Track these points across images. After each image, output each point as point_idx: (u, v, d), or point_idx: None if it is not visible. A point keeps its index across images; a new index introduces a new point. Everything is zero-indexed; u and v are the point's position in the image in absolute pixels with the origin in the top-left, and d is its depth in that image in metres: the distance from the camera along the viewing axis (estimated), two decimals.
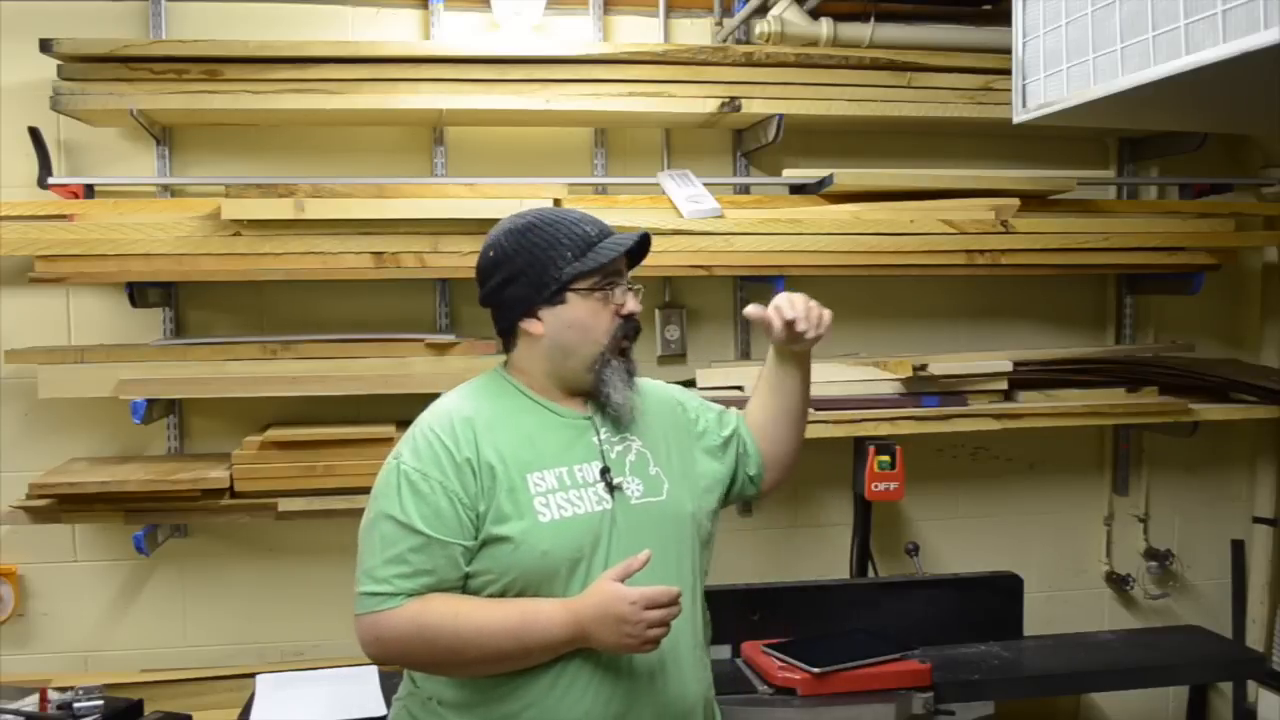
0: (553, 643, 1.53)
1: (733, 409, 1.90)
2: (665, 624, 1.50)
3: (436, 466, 1.56)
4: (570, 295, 1.62)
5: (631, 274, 1.72)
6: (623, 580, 1.50)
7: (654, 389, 1.83)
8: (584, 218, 1.67)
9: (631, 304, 1.65)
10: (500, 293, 1.66)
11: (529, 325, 1.64)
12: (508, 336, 1.69)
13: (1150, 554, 3.25)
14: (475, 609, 1.54)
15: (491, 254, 1.67)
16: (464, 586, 1.58)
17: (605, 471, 1.63)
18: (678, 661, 1.64)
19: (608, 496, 1.62)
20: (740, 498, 1.89)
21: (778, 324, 1.70)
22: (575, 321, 1.63)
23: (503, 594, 1.56)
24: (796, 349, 1.77)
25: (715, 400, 1.94)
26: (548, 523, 1.56)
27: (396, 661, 1.62)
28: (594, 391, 1.65)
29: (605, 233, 1.66)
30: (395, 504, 1.56)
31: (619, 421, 1.68)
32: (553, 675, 1.56)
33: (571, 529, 1.57)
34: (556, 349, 1.64)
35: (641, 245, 1.69)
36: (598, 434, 1.66)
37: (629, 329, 1.66)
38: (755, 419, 1.87)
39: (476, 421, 1.60)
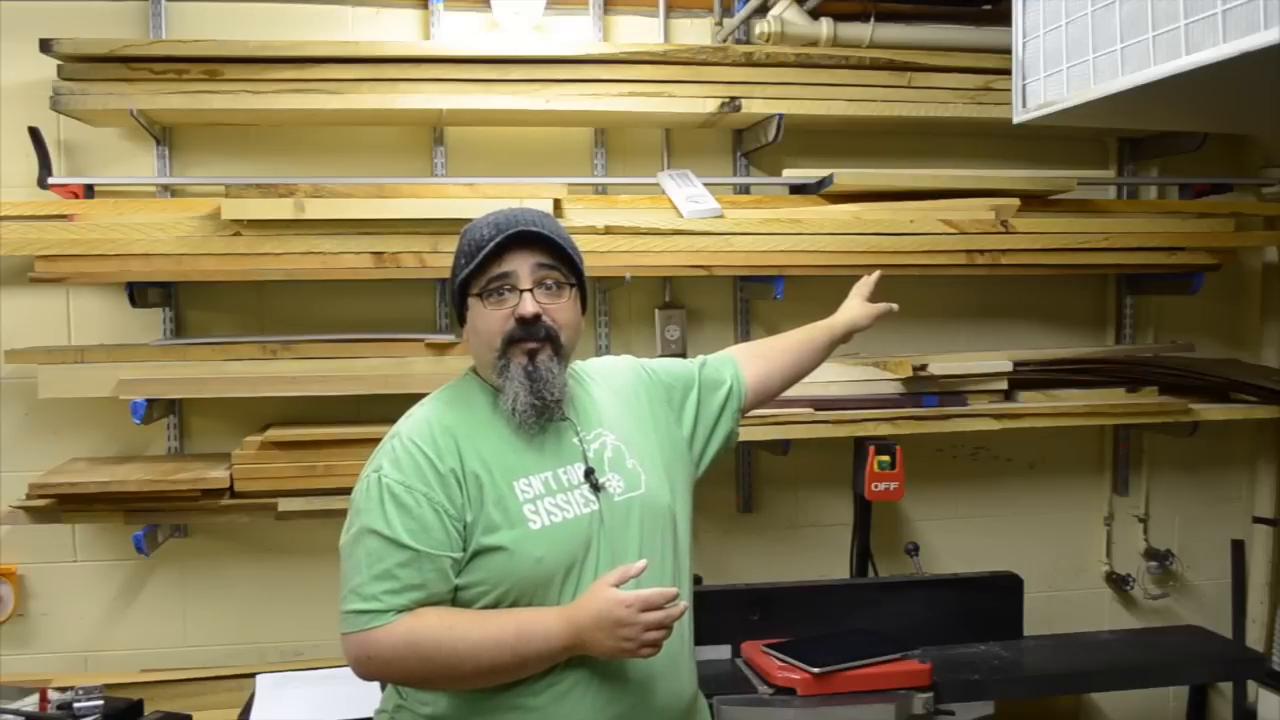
0: (550, 653, 1.50)
1: (710, 357, 1.93)
2: (664, 626, 1.47)
3: (419, 478, 1.52)
4: (471, 301, 1.60)
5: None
6: (619, 585, 1.48)
7: (616, 369, 1.82)
8: (493, 219, 1.60)
9: (526, 305, 1.55)
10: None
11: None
12: None
13: (1150, 554, 3.25)
14: (470, 622, 1.50)
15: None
16: (453, 599, 1.54)
17: (590, 473, 1.60)
18: (674, 661, 1.61)
19: (594, 497, 1.59)
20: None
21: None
22: (474, 327, 1.61)
23: (495, 605, 1.53)
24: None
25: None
26: (539, 529, 1.53)
27: (388, 679, 1.60)
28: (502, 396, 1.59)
29: (502, 230, 1.56)
30: (379, 518, 1.51)
31: (581, 417, 1.66)
32: (548, 682, 1.53)
33: (564, 534, 1.55)
34: (474, 355, 1.65)
35: (524, 238, 1.57)
36: (578, 434, 1.64)
37: (524, 331, 1.56)
38: (771, 370, 1.95)
39: (458, 430, 1.57)
